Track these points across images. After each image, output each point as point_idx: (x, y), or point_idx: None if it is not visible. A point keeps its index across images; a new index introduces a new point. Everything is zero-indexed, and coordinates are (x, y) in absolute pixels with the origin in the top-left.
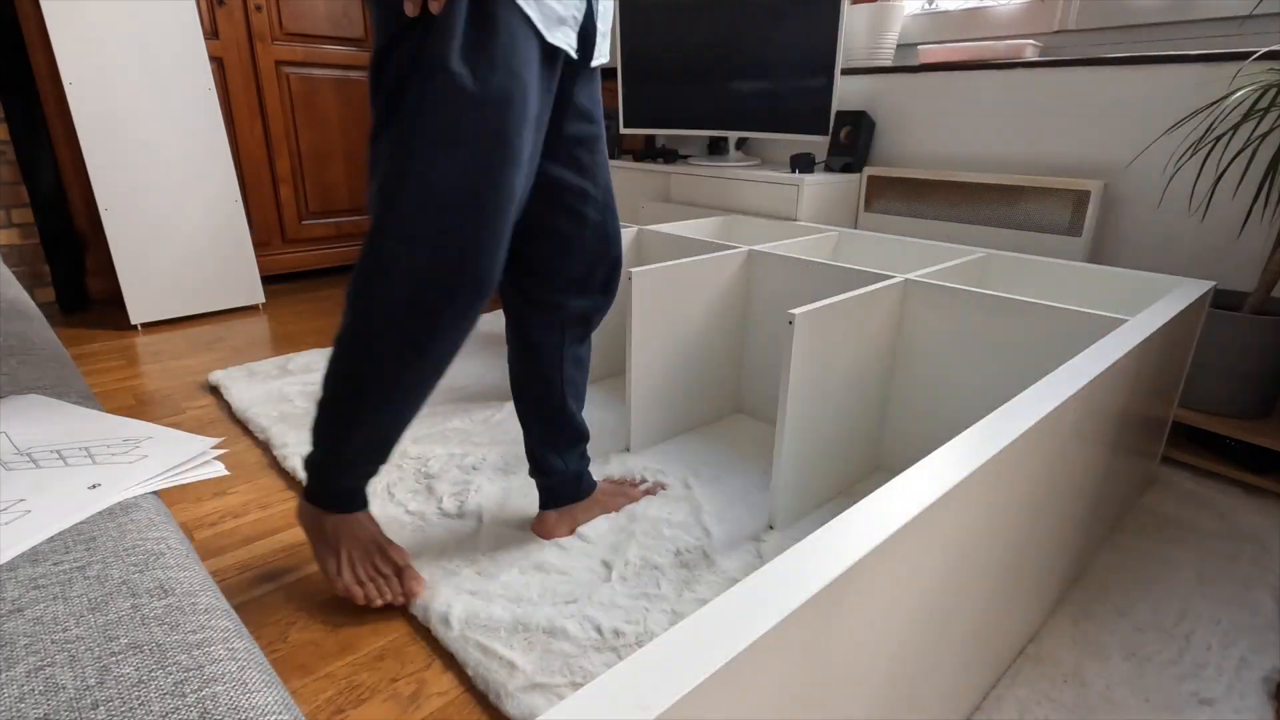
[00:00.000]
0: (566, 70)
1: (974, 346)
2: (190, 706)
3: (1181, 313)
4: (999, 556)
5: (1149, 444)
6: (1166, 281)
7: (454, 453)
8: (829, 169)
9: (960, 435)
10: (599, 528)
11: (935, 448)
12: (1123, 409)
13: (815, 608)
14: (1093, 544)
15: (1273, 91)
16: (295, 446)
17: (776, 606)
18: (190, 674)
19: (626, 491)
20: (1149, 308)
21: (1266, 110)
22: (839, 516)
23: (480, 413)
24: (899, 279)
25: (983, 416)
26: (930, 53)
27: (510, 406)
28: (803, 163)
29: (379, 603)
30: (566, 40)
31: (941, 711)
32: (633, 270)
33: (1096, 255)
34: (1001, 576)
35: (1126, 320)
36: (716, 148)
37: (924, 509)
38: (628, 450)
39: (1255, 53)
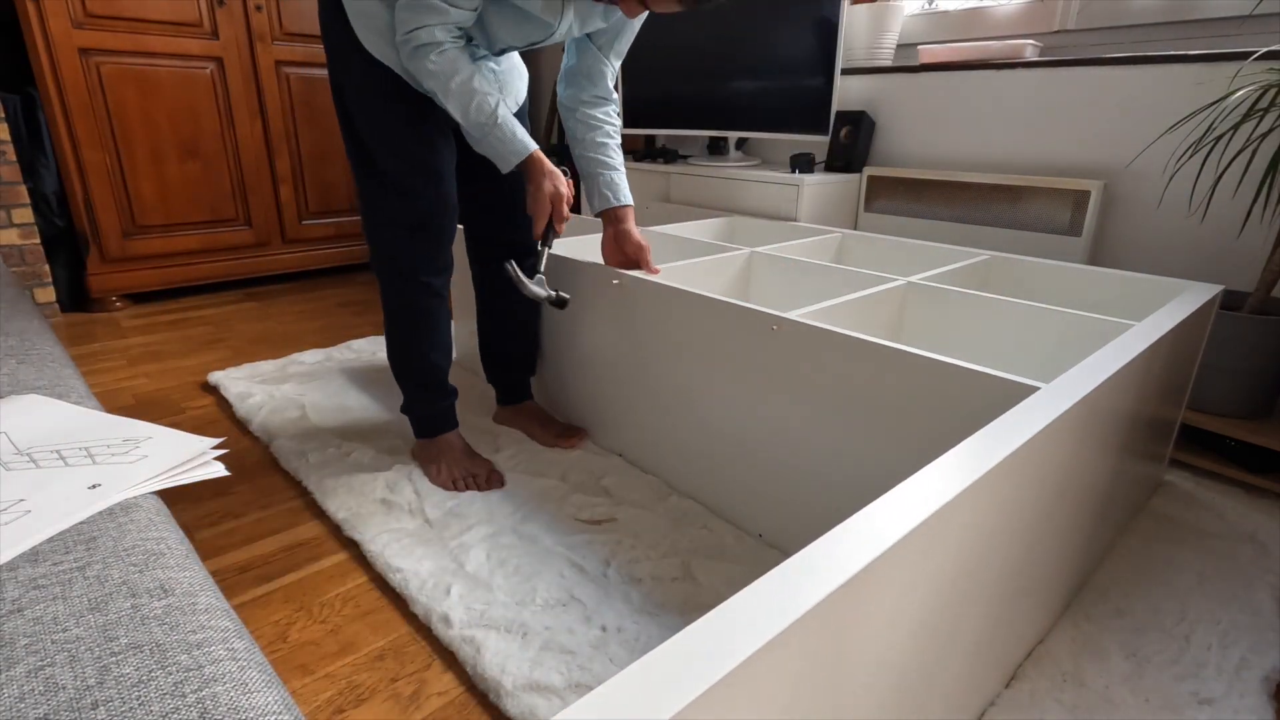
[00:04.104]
0: None
1: (976, 351)
2: (190, 706)
3: (1190, 317)
4: (1006, 562)
5: (1157, 447)
6: (1173, 285)
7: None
8: (829, 169)
9: (966, 440)
10: (599, 530)
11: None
12: (1131, 413)
13: (823, 613)
14: (1101, 549)
15: (1273, 91)
16: (295, 447)
17: (786, 610)
18: (190, 674)
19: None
20: (1157, 311)
21: (1266, 110)
22: (845, 522)
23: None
24: (900, 282)
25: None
26: (930, 53)
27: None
28: (803, 163)
29: (467, 489)
30: None
31: (948, 714)
32: (630, 272)
33: (1096, 255)
34: (1009, 582)
35: (1132, 325)
36: (716, 148)
37: (930, 515)
38: (622, 456)
39: (1255, 53)
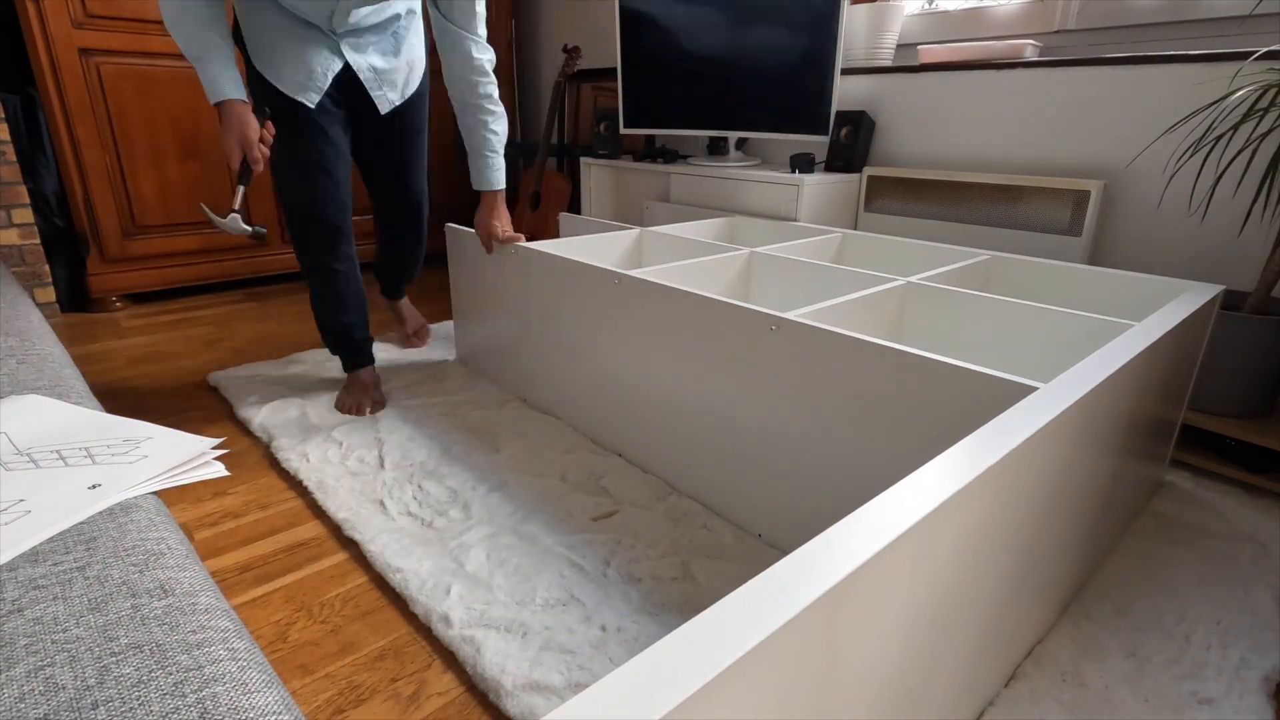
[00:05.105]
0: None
1: (976, 351)
2: (190, 706)
3: (1191, 317)
4: (1005, 562)
5: (1157, 448)
6: (1174, 285)
7: (450, 460)
8: (828, 169)
9: (964, 440)
10: (598, 530)
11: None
12: (1131, 414)
13: (819, 612)
14: (1101, 549)
15: (1273, 91)
16: (295, 446)
17: (781, 608)
18: (190, 674)
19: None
20: (1157, 312)
21: (1266, 110)
22: (844, 519)
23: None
24: (900, 282)
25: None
26: (930, 53)
27: (500, 435)
28: (803, 163)
29: (351, 414)
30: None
31: (946, 712)
32: (630, 272)
33: (1096, 255)
34: (1008, 581)
35: (1132, 325)
36: (716, 148)
37: (927, 514)
38: (622, 456)
39: (1255, 53)
